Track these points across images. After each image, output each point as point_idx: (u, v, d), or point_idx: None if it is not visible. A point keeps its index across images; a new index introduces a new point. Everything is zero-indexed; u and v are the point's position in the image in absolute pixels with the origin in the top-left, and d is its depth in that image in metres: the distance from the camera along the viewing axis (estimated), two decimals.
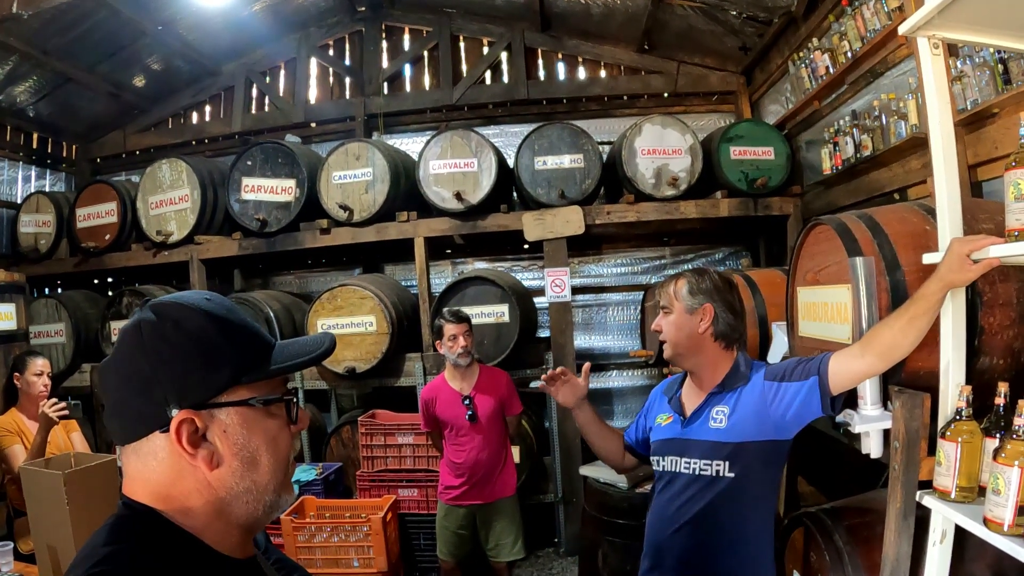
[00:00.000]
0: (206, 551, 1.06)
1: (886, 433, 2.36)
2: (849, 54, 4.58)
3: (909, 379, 2.34)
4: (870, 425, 2.37)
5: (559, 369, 2.77)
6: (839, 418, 2.43)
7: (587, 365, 2.81)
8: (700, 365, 2.52)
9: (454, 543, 4.56)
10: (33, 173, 7.68)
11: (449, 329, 4.33)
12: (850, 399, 2.38)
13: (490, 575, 4.70)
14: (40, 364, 4.38)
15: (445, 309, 4.59)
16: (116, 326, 6.15)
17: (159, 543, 1.03)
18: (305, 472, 5.35)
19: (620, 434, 2.88)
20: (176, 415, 1.03)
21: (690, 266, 7.11)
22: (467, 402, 4.38)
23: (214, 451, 1.07)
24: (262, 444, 1.11)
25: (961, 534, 2.12)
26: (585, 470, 4.56)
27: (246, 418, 1.09)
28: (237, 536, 1.12)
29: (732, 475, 2.37)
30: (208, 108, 7.99)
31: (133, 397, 1.06)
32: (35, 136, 7.62)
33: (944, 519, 2.13)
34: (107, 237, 6.50)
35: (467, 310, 5.56)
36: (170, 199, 6.29)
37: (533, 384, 6.02)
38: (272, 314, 5.98)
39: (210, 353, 1.08)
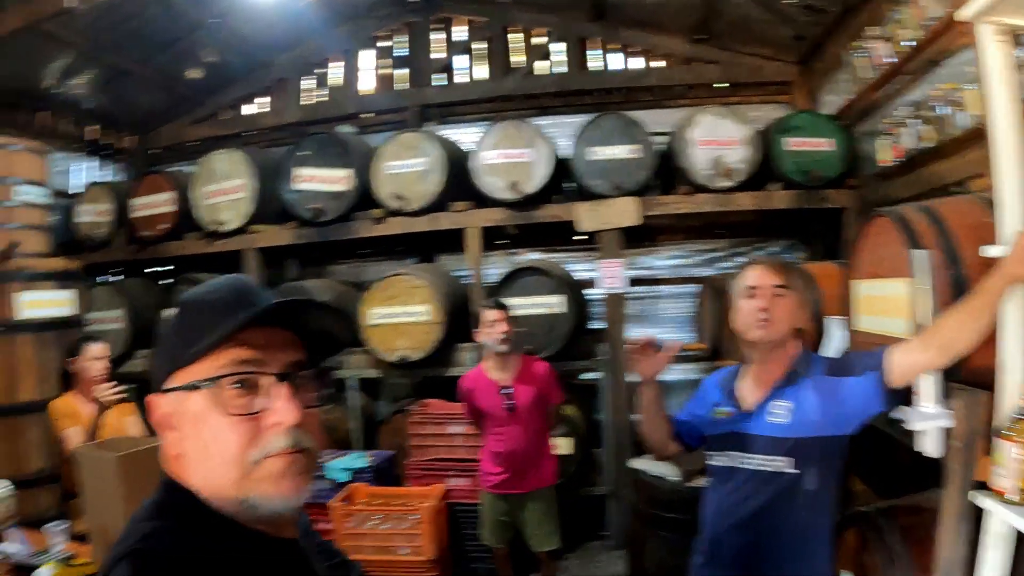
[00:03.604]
0: (244, 531, 1.06)
1: (944, 431, 2.29)
2: (908, 43, 4.46)
3: (969, 376, 2.27)
4: (928, 423, 2.30)
5: (652, 336, 2.69)
6: (896, 415, 2.38)
7: (677, 343, 2.74)
8: (776, 357, 2.47)
9: (498, 529, 4.57)
10: (90, 164, 7.83)
11: (488, 315, 4.29)
12: (908, 395, 2.32)
13: (537, 563, 4.70)
14: (97, 349, 4.44)
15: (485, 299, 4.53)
16: (172, 313, 6.24)
17: (198, 520, 1.03)
18: (356, 459, 5.40)
19: (670, 420, 2.83)
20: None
21: (745, 259, 7.01)
22: (506, 393, 4.35)
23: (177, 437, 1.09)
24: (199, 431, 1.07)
25: (1019, 537, 2.07)
26: (635, 463, 4.54)
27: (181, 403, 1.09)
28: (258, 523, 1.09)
29: (793, 471, 2.34)
30: (262, 100, 8.11)
31: None
32: (92, 128, 7.75)
33: (1001, 521, 2.07)
34: (163, 226, 6.60)
35: (520, 300, 5.57)
36: (225, 189, 6.36)
37: (586, 375, 6.03)
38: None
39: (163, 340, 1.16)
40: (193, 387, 1.05)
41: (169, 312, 6.10)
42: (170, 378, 1.09)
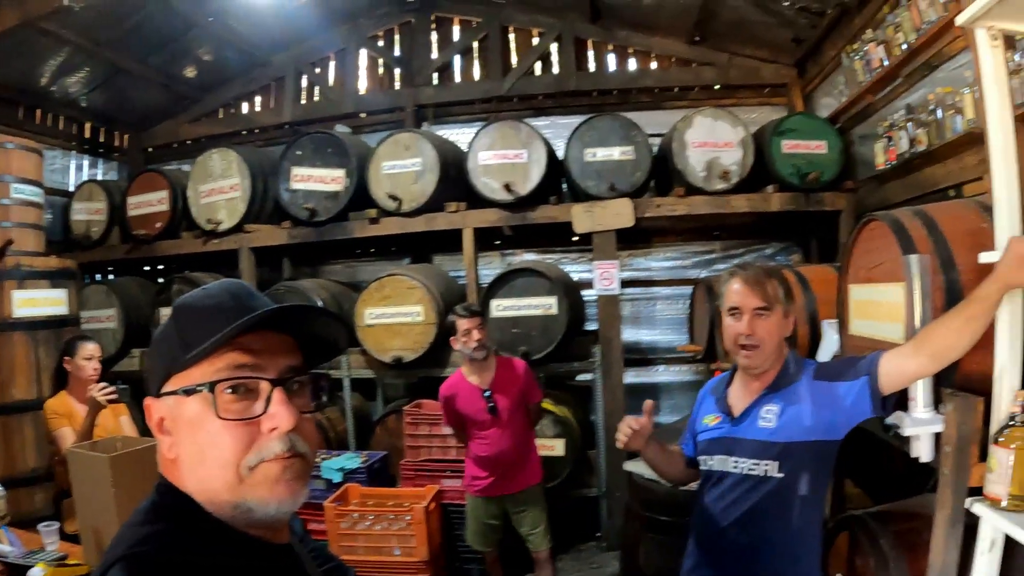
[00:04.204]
0: (239, 536, 1.05)
1: (937, 437, 2.29)
2: (904, 46, 4.44)
3: (962, 382, 2.27)
4: (921, 428, 2.29)
5: (637, 424, 2.54)
6: (889, 420, 2.37)
7: (648, 403, 2.61)
8: (769, 367, 2.44)
9: (485, 534, 4.57)
10: (86, 162, 7.83)
11: (462, 324, 4.25)
12: (901, 401, 2.31)
13: (527, 564, 4.68)
14: (90, 348, 4.42)
15: (458, 305, 4.46)
16: (166, 312, 6.21)
17: (193, 525, 1.03)
18: (350, 460, 5.40)
19: (681, 452, 2.80)
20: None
21: (739, 261, 7.01)
22: (487, 396, 4.33)
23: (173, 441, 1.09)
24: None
25: (1011, 544, 2.06)
26: (630, 465, 4.52)
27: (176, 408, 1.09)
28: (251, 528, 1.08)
29: (780, 475, 2.33)
30: (259, 98, 8.09)
31: None
32: (88, 126, 7.77)
33: (993, 528, 2.07)
34: (158, 225, 6.60)
35: (515, 301, 5.58)
36: (220, 188, 6.35)
37: (580, 376, 6.03)
38: (320, 303, 6.00)
39: (159, 343, 1.13)
40: (189, 391, 1.04)
41: (165, 313, 6.17)
42: (166, 382, 1.08)
